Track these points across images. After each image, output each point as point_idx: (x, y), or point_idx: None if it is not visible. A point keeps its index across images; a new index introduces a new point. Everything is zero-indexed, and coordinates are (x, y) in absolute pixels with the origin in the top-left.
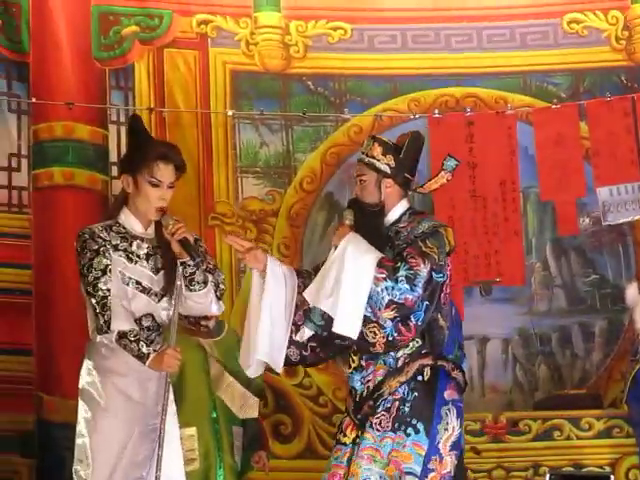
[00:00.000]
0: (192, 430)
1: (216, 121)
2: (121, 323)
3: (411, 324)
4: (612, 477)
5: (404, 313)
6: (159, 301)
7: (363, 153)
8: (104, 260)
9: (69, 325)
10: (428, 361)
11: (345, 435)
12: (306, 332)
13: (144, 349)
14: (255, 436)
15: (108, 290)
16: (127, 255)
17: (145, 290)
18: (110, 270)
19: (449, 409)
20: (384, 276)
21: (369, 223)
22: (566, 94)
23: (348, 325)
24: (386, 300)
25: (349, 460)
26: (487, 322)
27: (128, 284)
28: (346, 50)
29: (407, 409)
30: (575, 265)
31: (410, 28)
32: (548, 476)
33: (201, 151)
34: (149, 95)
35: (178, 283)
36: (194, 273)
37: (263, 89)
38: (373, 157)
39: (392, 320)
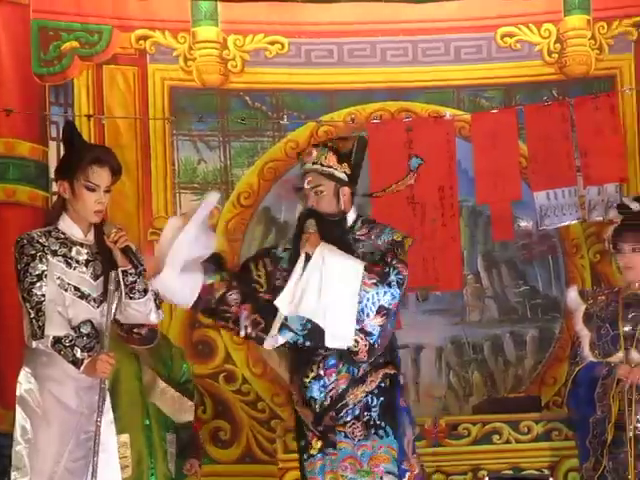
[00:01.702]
0: (125, 437)
1: (154, 138)
2: (55, 328)
3: (388, 331)
4: None
5: (390, 319)
6: (98, 307)
7: (316, 163)
8: (40, 265)
9: (13, 336)
10: (391, 370)
11: (312, 447)
12: (279, 340)
13: (78, 354)
14: (187, 444)
15: (43, 295)
16: (66, 261)
17: (84, 296)
18: (46, 276)
19: (404, 417)
20: (375, 281)
21: (331, 233)
22: (498, 108)
23: (341, 336)
24: (377, 306)
25: (322, 469)
26: (421, 331)
27: (67, 290)
28: (283, 64)
29: (374, 414)
30: (506, 277)
31: (346, 42)
32: (487, 478)
33: (140, 167)
34: (88, 112)
35: (111, 288)
36: (135, 282)
37: (201, 105)
38: (330, 166)
39: (381, 327)
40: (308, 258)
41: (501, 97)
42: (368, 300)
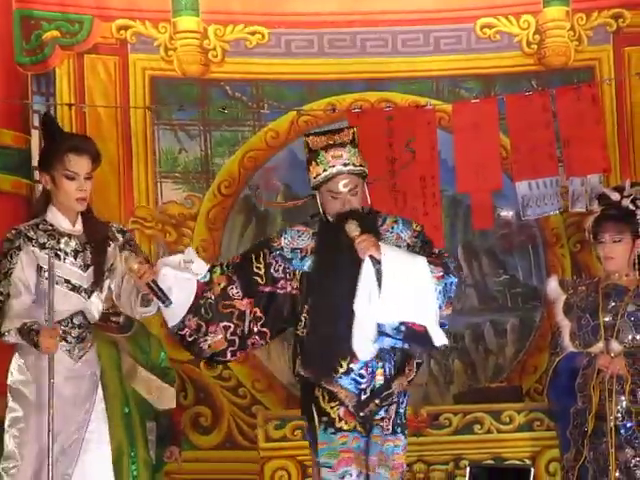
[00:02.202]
0: None
1: (135, 128)
2: (8, 323)
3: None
4: (532, 470)
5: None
6: (89, 298)
7: (348, 164)
8: (7, 263)
9: None
10: (419, 359)
11: (346, 422)
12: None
13: (35, 338)
14: (166, 432)
15: (7, 295)
16: (55, 253)
17: (75, 288)
18: (11, 273)
19: None
20: (442, 274)
21: (369, 231)
22: (479, 98)
23: (439, 334)
24: (447, 297)
25: (358, 448)
26: None
27: (57, 283)
28: (264, 55)
29: (402, 410)
30: (486, 266)
31: (326, 32)
32: (468, 469)
33: (121, 157)
34: (70, 101)
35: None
36: (150, 300)
37: (182, 95)
38: (361, 165)
39: (449, 316)
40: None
41: (480, 88)
42: (440, 293)
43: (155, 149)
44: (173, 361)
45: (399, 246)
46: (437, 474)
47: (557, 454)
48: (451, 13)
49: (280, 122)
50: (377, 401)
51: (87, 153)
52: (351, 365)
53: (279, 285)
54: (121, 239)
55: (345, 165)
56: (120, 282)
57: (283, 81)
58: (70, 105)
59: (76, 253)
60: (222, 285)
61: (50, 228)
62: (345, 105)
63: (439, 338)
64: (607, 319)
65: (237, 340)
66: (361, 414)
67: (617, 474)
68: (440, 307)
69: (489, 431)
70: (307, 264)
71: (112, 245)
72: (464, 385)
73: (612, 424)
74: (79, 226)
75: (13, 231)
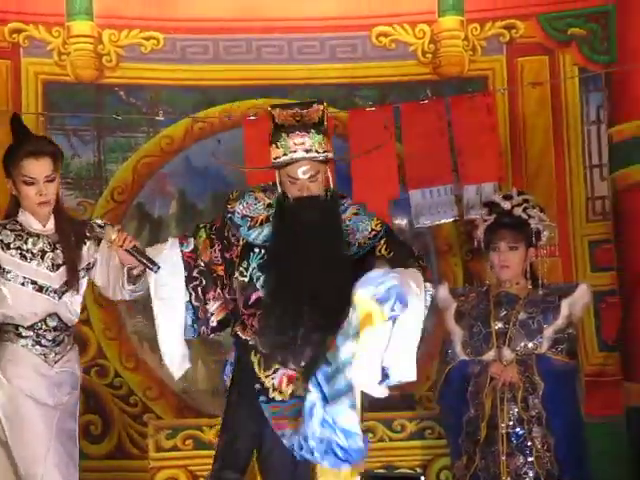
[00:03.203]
0: None
1: None
2: None
3: None
4: (423, 478)
5: None
6: (60, 298)
7: (310, 151)
8: None
9: None
10: None
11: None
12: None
13: None
14: None
15: None
16: (21, 253)
17: (42, 289)
18: None
19: None
20: (431, 290)
21: (326, 216)
22: (374, 106)
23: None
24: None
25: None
26: None
27: (23, 284)
28: (159, 60)
29: None
30: None
31: (222, 39)
32: (359, 478)
33: None
34: None
35: None
36: (139, 275)
37: (76, 100)
38: (325, 151)
39: None
40: None
41: (376, 96)
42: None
43: None
44: None
45: (349, 242)
46: None
47: (448, 462)
48: (347, 21)
49: (175, 128)
50: None
51: (45, 155)
52: None
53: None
54: (102, 234)
55: (307, 152)
56: (106, 271)
57: (178, 87)
58: None
59: (43, 253)
60: (208, 250)
61: (19, 228)
62: (241, 112)
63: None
64: (499, 327)
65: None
66: None
67: None
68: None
69: (381, 439)
70: (253, 235)
71: (88, 243)
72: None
73: (504, 431)
74: (51, 225)
75: None
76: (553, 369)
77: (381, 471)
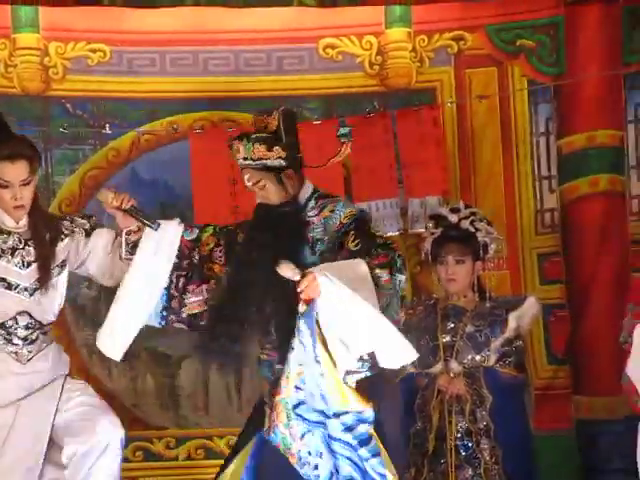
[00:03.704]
0: None
1: None
2: None
3: None
4: None
5: None
6: (31, 296)
7: (247, 159)
8: None
9: None
10: None
11: None
12: None
13: None
14: None
15: None
16: None
17: (11, 287)
18: None
19: None
20: (389, 276)
21: (285, 224)
22: (320, 119)
23: (392, 354)
24: (399, 299)
25: None
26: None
27: None
28: (105, 73)
29: None
30: None
31: (169, 51)
32: None
33: None
34: None
35: None
36: (138, 240)
37: (22, 112)
38: (260, 158)
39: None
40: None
41: (323, 108)
42: (393, 297)
43: None
44: None
45: (322, 239)
46: None
47: None
48: (294, 33)
49: (122, 141)
50: None
51: (22, 158)
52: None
53: None
54: (87, 224)
55: (244, 159)
56: (102, 259)
57: (125, 99)
58: None
59: (14, 250)
60: (210, 246)
61: None
62: (188, 124)
63: (407, 354)
64: (446, 339)
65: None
66: None
67: None
68: (397, 312)
69: None
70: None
71: (66, 240)
72: None
73: (452, 444)
74: (24, 222)
75: None
76: (501, 382)
77: None
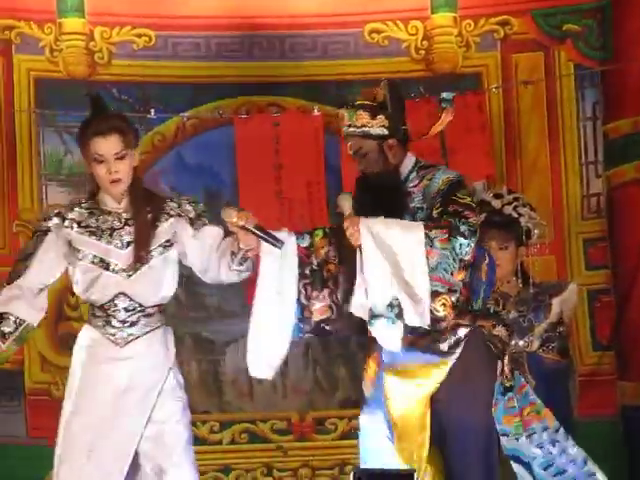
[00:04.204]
0: None
1: (20, 129)
2: None
3: (467, 281)
4: (415, 474)
5: (473, 271)
6: (130, 277)
7: (350, 126)
8: (32, 247)
9: None
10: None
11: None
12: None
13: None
14: None
15: (18, 277)
16: (91, 231)
17: (110, 267)
18: (33, 256)
19: None
20: (447, 236)
21: (386, 194)
22: None
23: (420, 314)
24: (457, 261)
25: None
26: None
27: (93, 262)
28: (150, 57)
29: None
30: None
31: (214, 36)
32: (353, 474)
33: (5, 158)
34: None
35: None
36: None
37: (68, 96)
38: (364, 125)
39: (462, 281)
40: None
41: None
42: (447, 258)
43: (40, 151)
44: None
45: (422, 207)
46: (322, 479)
47: None
48: (339, 18)
49: (167, 125)
50: None
51: (113, 132)
52: None
53: None
54: (192, 212)
55: (348, 127)
56: (209, 255)
57: (170, 84)
58: None
59: (112, 230)
60: (325, 249)
61: (94, 207)
62: (233, 109)
63: (416, 319)
64: None
65: (335, 308)
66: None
67: None
68: (452, 273)
69: None
70: None
71: (171, 220)
72: (349, 391)
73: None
74: (125, 203)
75: (54, 211)
76: (544, 368)
77: (375, 467)
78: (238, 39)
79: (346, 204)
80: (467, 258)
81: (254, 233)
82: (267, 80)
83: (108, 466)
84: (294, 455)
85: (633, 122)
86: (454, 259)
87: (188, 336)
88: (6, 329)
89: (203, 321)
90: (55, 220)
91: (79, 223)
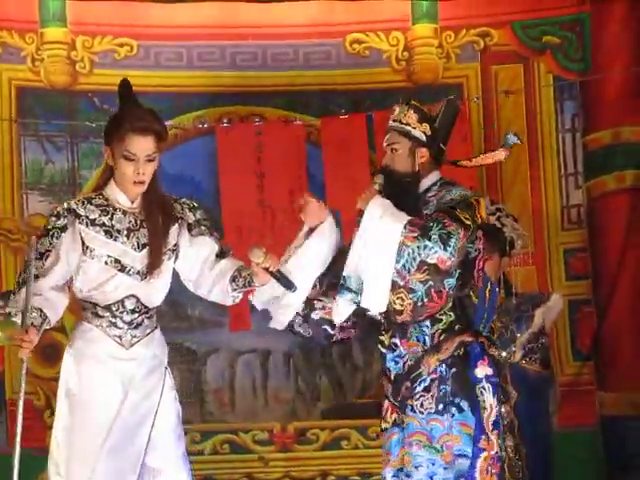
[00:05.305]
0: None
1: (1, 138)
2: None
3: (444, 291)
4: None
5: (436, 276)
6: (142, 280)
7: (395, 120)
8: (47, 244)
9: None
10: (468, 338)
11: (386, 421)
12: (340, 306)
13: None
14: None
15: (36, 277)
16: (106, 230)
17: (125, 269)
18: (49, 253)
19: (484, 387)
20: (415, 235)
21: (400, 193)
22: (348, 114)
23: (374, 298)
24: (417, 261)
25: (396, 442)
26: (270, 336)
27: (107, 263)
28: (132, 67)
29: (448, 387)
30: None
31: (196, 45)
32: None
33: None
34: None
35: (31, 257)
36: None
37: (49, 106)
38: (408, 124)
39: (423, 284)
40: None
41: (350, 103)
42: (409, 255)
43: (21, 160)
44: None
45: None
46: None
47: None
48: (320, 28)
49: None
50: (408, 384)
51: (151, 133)
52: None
53: None
54: (192, 218)
55: (393, 121)
56: (201, 267)
57: (152, 93)
58: None
59: (129, 231)
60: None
61: (105, 203)
62: (214, 118)
63: (372, 303)
64: None
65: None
66: (398, 399)
67: None
68: (409, 271)
69: (356, 446)
70: None
71: (176, 224)
72: (331, 401)
73: None
74: (138, 202)
75: (64, 206)
76: (527, 379)
77: (356, 478)
78: (220, 49)
79: (378, 180)
80: (431, 262)
81: (274, 275)
82: (249, 90)
83: (122, 464)
84: (276, 466)
85: (612, 133)
86: (414, 258)
87: (170, 346)
88: (35, 321)
89: (185, 331)
90: (69, 217)
91: (93, 221)
